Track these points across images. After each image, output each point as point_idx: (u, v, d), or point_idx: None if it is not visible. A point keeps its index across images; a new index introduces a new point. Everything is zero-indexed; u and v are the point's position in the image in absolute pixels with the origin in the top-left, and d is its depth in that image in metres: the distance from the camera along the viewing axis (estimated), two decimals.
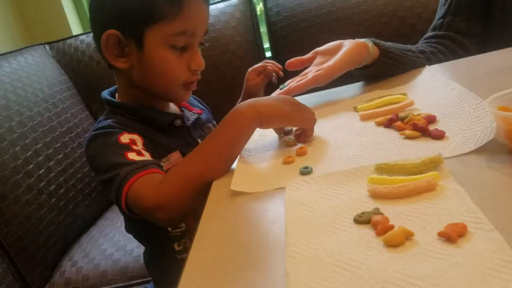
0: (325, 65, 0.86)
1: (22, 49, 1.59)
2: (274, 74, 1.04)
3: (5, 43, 1.80)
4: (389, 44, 0.91)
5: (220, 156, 0.69)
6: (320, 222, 0.47)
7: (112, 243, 1.28)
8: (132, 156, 0.75)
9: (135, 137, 0.80)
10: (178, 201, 0.68)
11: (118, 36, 0.78)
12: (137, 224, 0.92)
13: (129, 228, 0.97)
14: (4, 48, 1.65)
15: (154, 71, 0.81)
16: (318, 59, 0.91)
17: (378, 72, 0.90)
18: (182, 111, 0.95)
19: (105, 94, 0.90)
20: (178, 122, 0.88)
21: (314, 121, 0.73)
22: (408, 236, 0.41)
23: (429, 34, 1.08)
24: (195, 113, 0.96)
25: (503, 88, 0.53)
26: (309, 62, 0.92)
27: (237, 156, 0.70)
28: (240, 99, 1.06)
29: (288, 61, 0.93)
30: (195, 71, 0.83)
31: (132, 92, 0.86)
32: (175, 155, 0.85)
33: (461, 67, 0.90)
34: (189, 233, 0.87)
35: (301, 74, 0.90)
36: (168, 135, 0.87)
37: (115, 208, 1.51)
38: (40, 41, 1.71)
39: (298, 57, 0.93)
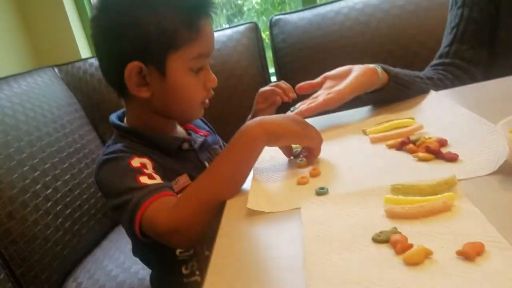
0: (336, 88, 0.88)
1: (31, 71, 1.62)
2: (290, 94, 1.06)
3: (15, 64, 1.83)
4: (397, 70, 0.93)
5: (232, 176, 0.70)
6: (338, 241, 0.48)
7: (117, 264, 1.28)
8: (144, 179, 0.75)
9: (145, 160, 0.80)
10: (193, 223, 0.68)
11: (140, 67, 0.79)
12: (145, 248, 0.92)
13: (136, 252, 0.96)
14: (14, 70, 1.68)
15: (177, 95, 0.83)
16: (328, 83, 0.93)
17: (387, 97, 0.92)
18: (189, 134, 0.96)
19: (113, 118, 0.91)
20: (185, 145, 0.90)
21: (321, 140, 0.74)
22: (427, 254, 0.42)
23: (435, 61, 1.11)
24: (202, 136, 0.97)
25: (509, 115, 0.55)
26: (319, 86, 0.94)
27: (248, 174, 0.71)
28: (249, 117, 1.07)
29: (298, 85, 0.95)
30: (209, 89, 0.86)
31: (143, 117, 0.87)
32: (183, 179, 0.85)
33: (466, 93, 0.92)
34: (197, 256, 0.87)
35: (310, 97, 0.91)
36: (176, 159, 0.87)
37: (119, 230, 1.50)
38: (49, 64, 1.74)
39: (308, 81, 0.95)
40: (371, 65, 0.91)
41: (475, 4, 1.07)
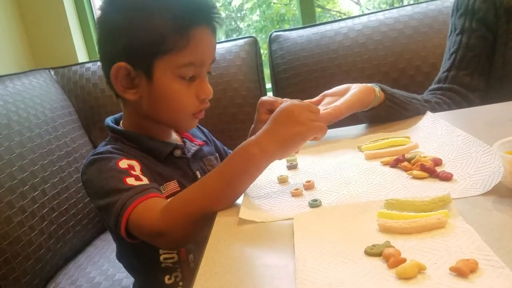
0: (333, 104, 0.88)
1: (27, 71, 1.61)
2: None
3: (11, 64, 1.82)
4: (395, 90, 0.94)
5: (223, 192, 0.67)
6: (330, 252, 0.47)
7: (100, 271, 1.25)
8: (130, 181, 0.75)
9: (133, 162, 0.80)
10: (179, 229, 0.68)
11: (128, 68, 0.80)
12: (129, 253, 0.91)
13: (120, 257, 0.95)
14: (11, 70, 1.67)
15: (163, 102, 0.82)
16: (326, 100, 0.93)
17: (382, 115, 0.93)
18: (183, 142, 0.96)
19: (108, 121, 0.92)
20: (178, 152, 0.89)
21: (323, 124, 0.69)
22: (420, 269, 0.41)
23: (434, 86, 1.13)
24: (197, 145, 0.96)
25: (502, 138, 0.55)
26: (318, 104, 0.94)
27: (242, 193, 0.68)
28: (252, 127, 1.01)
29: None
30: (204, 100, 0.84)
31: (136, 121, 0.88)
32: (172, 184, 0.85)
33: (463, 116, 0.92)
34: (181, 266, 0.86)
35: None
36: (166, 165, 0.87)
37: (104, 237, 1.48)
38: (46, 66, 1.73)
39: (307, 100, 0.95)
40: (369, 84, 0.92)
41: (474, 32, 1.09)
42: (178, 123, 0.88)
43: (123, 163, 0.79)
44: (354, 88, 0.90)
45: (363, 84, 0.91)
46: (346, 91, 0.92)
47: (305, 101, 0.92)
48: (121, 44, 0.80)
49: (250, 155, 0.66)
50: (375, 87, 0.91)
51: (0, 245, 1.12)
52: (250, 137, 1.01)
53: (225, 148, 1.11)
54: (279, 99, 0.95)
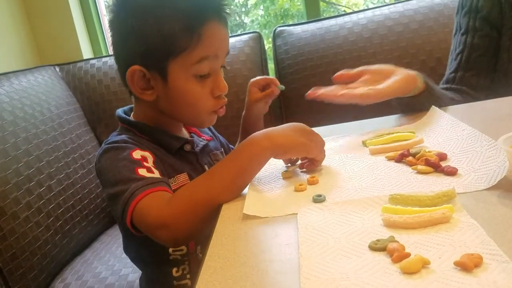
0: (377, 86, 0.85)
1: (32, 68, 1.62)
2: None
3: (16, 61, 1.83)
4: (433, 84, 0.93)
5: (231, 182, 0.69)
6: (334, 247, 0.47)
7: (106, 266, 1.26)
8: (142, 172, 0.76)
9: (147, 154, 0.81)
10: (183, 221, 0.68)
11: (143, 71, 0.80)
12: (137, 245, 0.92)
13: (127, 249, 0.96)
14: (16, 66, 1.68)
15: (180, 101, 0.83)
16: (365, 77, 0.89)
17: (416, 104, 0.91)
18: (192, 136, 0.96)
19: (119, 112, 0.92)
20: (187, 147, 0.90)
21: (324, 151, 0.75)
22: (424, 264, 0.41)
23: (443, 86, 1.12)
24: (204, 140, 0.97)
25: (508, 133, 0.55)
26: (357, 78, 0.90)
27: (248, 183, 0.70)
28: (243, 113, 1.07)
29: (337, 74, 0.91)
30: (220, 96, 0.85)
31: (150, 114, 0.88)
32: (183, 177, 0.86)
33: (468, 111, 0.92)
34: (189, 258, 0.87)
35: (342, 86, 0.88)
36: (177, 158, 0.88)
37: (111, 232, 1.49)
38: (51, 62, 1.74)
39: (346, 71, 0.92)
40: (413, 72, 0.90)
41: (477, 31, 1.09)
42: (196, 120, 0.89)
43: (137, 154, 0.79)
44: (399, 74, 0.87)
45: (408, 71, 0.89)
46: (389, 73, 0.88)
47: (345, 71, 0.92)
48: (135, 47, 0.80)
49: (260, 146, 0.70)
50: (419, 77, 0.89)
51: (7, 241, 1.13)
52: (242, 125, 1.05)
53: (229, 144, 1.12)
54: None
